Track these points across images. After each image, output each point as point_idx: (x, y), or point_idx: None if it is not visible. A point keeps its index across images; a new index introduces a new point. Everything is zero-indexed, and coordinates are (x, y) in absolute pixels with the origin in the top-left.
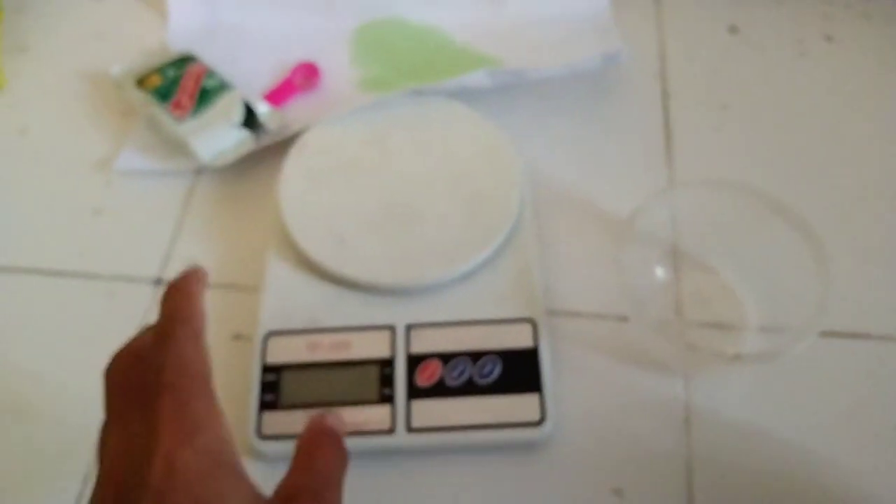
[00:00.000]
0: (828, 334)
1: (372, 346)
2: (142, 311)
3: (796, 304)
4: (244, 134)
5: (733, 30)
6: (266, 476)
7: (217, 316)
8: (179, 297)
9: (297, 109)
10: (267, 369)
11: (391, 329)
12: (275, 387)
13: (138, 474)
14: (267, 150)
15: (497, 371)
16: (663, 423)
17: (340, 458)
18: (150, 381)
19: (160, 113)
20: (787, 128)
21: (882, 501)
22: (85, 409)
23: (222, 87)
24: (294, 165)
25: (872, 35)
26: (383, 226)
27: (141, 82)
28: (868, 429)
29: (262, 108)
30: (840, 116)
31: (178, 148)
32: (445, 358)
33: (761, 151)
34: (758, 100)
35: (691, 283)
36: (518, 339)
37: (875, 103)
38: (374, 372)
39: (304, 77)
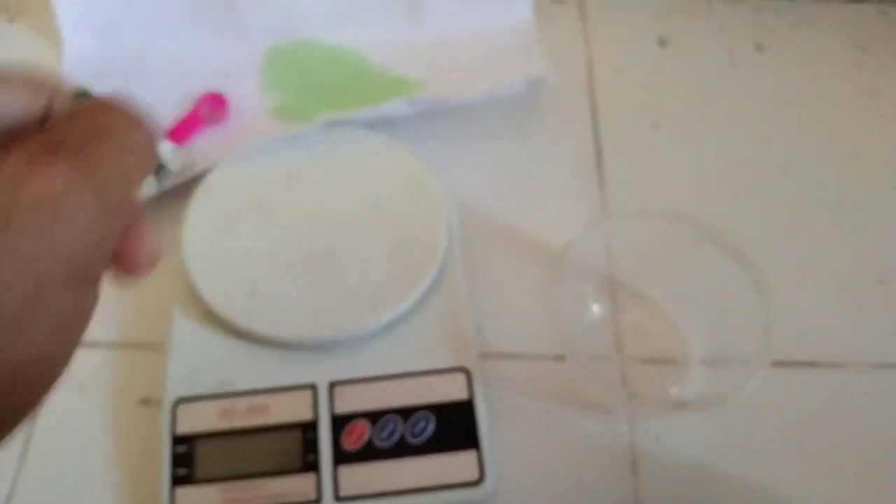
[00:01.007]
0: (775, 364)
1: (292, 409)
2: None
3: (739, 336)
4: None
5: (662, 42)
6: None
7: (121, 379)
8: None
9: (204, 145)
10: (178, 440)
11: (313, 388)
12: (188, 460)
13: None
14: (170, 193)
15: (430, 428)
16: (609, 468)
17: (139, 131)
18: None
19: None
20: (720, 144)
21: None
22: None
23: None
24: (199, 209)
25: (802, 43)
26: (300, 273)
27: None
28: (820, 459)
29: (164, 147)
30: (773, 128)
31: None
32: (373, 417)
33: (694, 172)
34: (690, 114)
35: (630, 316)
36: (451, 391)
37: (808, 112)
38: (295, 437)
39: (211, 109)
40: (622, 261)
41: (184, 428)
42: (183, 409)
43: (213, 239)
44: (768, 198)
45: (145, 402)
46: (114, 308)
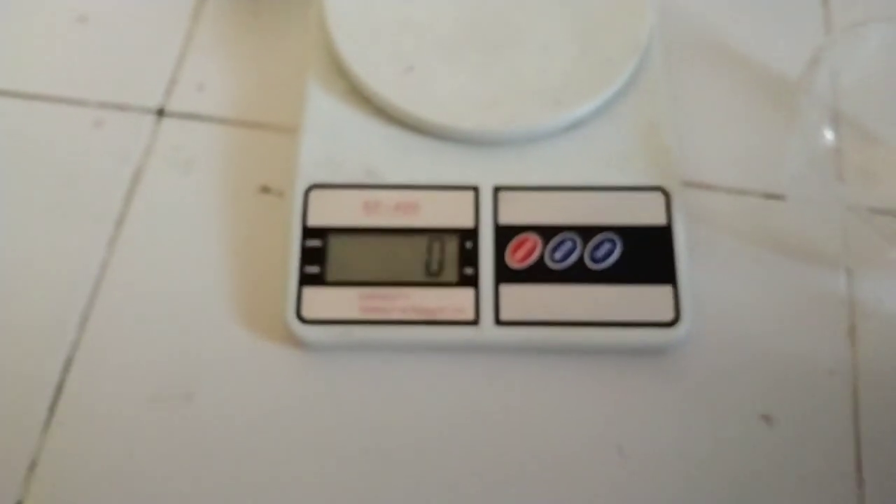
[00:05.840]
0: None
1: (449, 212)
2: (140, 147)
3: None
4: None
5: None
6: (307, 367)
7: (238, 162)
8: None
9: None
10: (309, 233)
11: (474, 190)
12: (319, 256)
13: None
14: None
15: (616, 253)
16: (823, 330)
17: None
18: None
19: None
20: None
21: None
22: (64, 253)
23: None
24: None
25: None
26: (466, 53)
27: None
28: None
29: None
30: None
31: None
32: (546, 232)
33: None
34: None
35: (857, 159)
36: (645, 213)
37: None
38: (451, 245)
39: None
40: (852, 87)
41: (317, 219)
42: (316, 198)
43: (361, 2)
44: None
45: (265, 190)
46: (232, 78)
